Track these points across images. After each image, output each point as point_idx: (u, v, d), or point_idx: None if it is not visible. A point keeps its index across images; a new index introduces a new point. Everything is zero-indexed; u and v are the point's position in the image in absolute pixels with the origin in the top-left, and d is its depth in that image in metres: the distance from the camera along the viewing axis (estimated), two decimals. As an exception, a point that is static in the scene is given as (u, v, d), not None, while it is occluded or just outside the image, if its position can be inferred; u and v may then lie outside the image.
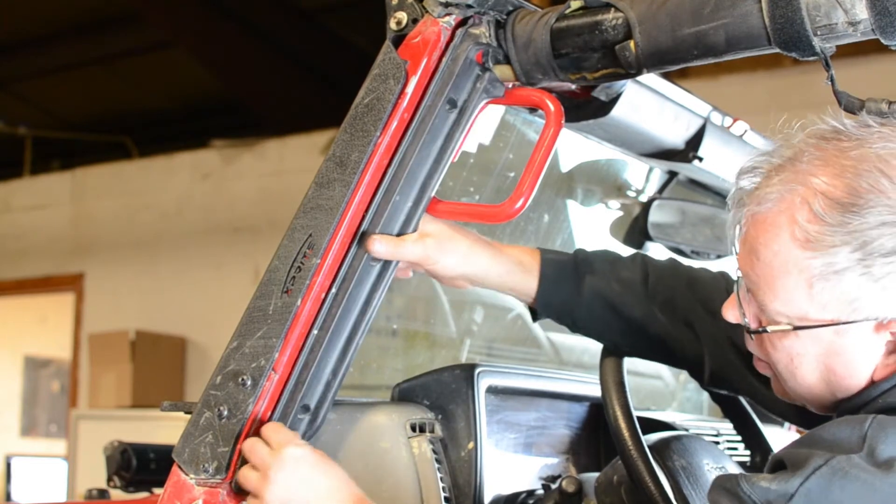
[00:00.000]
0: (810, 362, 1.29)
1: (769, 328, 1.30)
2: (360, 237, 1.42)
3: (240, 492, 1.38)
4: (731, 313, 1.37)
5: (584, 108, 1.63)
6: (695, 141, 1.91)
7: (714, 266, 2.36)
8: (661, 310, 1.61)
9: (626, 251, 1.73)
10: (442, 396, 1.59)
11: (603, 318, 1.61)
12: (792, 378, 1.32)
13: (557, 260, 1.61)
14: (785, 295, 1.27)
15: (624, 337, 1.64)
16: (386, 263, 1.43)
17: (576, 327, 1.64)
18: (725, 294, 1.61)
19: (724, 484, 1.18)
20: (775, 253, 1.27)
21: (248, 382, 1.38)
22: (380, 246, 1.41)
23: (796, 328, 1.28)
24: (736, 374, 1.61)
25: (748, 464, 2.07)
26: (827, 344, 1.27)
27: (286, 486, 1.34)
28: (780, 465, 1.18)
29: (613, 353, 1.68)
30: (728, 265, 2.45)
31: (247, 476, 1.37)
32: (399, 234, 1.43)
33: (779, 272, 1.27)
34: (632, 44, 1.34)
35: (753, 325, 1.33)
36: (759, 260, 1.29)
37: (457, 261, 1.51)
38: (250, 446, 1.37)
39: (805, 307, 1.26)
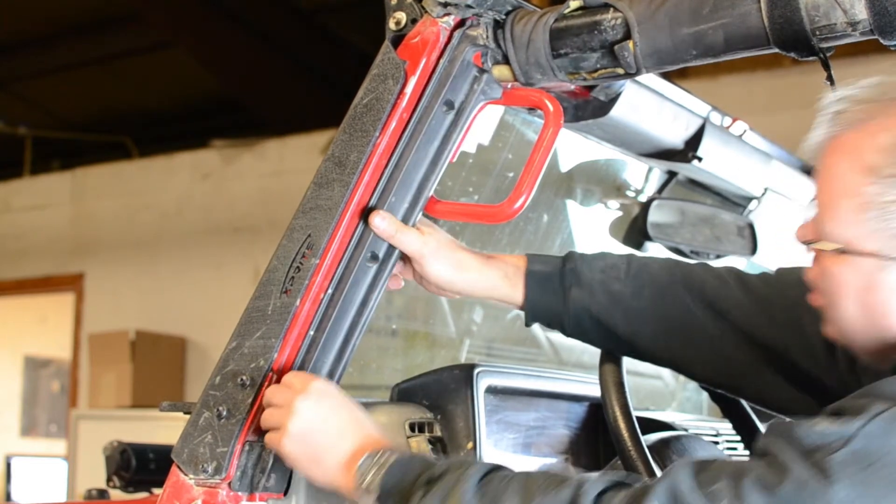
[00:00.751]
0: (850, 294, 1.29)
1: (818, 244, 1.32)
2: (366, 212, 1.41)
3: (240, 489, 1.38)
4: (798, 232, 1.38)
5: (584, 108, 1.63)
6: (694, 141, 1.91)
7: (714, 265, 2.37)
8: (654, 322, 1.59)
9: (623, 252, 1.72)
10: (441, 396, 1.59)
11: (591, 331, 1.60)
12: (834, 308, 1.33)
13: (543, 272, 1.59)
14: (839, 216, 1.28)
15: (613, 346, 1.63)
16: (382, 264, 1.43)
17: (567, 336, 1.63)
18: (736, 290, 1.60)
19: (778, 429, 1.18)
20: (840, 174, 1.28)
21: (248, 383, 1.38)
22: (381, 221, 1.41)
23: (841, 251, 1.28)
24: (743, 374, 1.60)
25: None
26: (867, 277, 1.27)
27: (310, 416, 1.34)
28: (838, 412, 1.17)
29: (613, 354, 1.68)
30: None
31: (270, 413, 1.37)
32: None
33: (839, 193, 1.28)
34: (631, 44, 1.34)
35: (808, 238, 1.34)
36: (826, 179, 1.31)
37: (446, 269, 1.50)
38: (273, 390, 1.38)
39: (853, 233, 1.27)
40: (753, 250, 2.23)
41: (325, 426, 1.35)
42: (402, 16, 1.44)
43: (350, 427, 1.36)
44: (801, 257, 2.38)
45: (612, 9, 1.36)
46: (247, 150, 7.10)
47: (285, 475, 1.41)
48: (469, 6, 1.42)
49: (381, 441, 1.35)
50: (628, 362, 1.68)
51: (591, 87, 1.58)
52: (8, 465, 7.27)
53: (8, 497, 7.22)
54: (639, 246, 2.13)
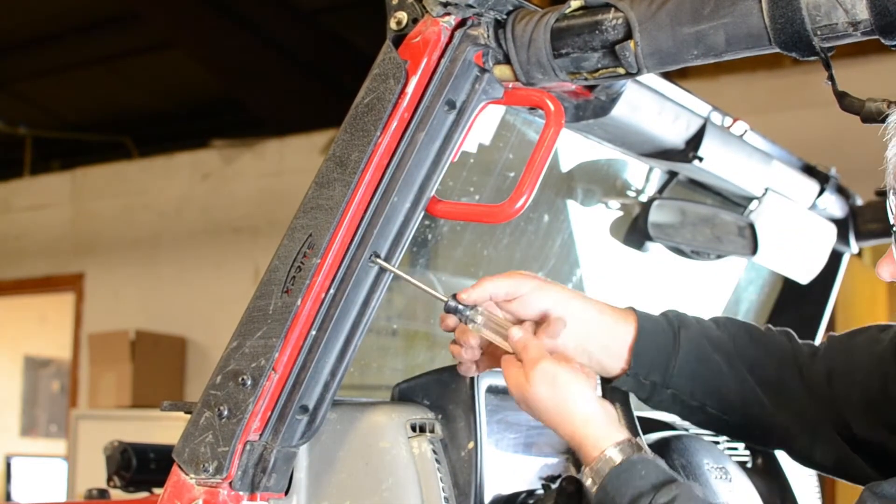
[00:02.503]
0: None
1: None
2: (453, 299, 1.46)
3: (241, 489, 1.38)
4: (885, 270, 1.35)
5: (585, 107, 1.63)
6: (695, 141, 1.91)
7: (716, 266, 2.37)
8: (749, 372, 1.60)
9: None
10: (442, 396, 1.59)
11: (695, 377, 1.58)
12: None
13: (650, 314, 1.59)
14: None
15: (712, 396, 1.60)
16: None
17: (664, 385, 1.58)
18: (802, 356, 1.60)
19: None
20: None
21: (249, 382, 1.38)
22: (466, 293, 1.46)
23: None
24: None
25: (748, 464, 2.07)
26: None
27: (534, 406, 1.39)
28: None
29: None
30: (728, 266, 2.45)
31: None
32: (397, 235, 1.43)
33: None
34: (632, 44, 1.34)
35: None
36: None
37: (555, 302, 1.50)
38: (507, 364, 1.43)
39: None
40: (754, 250, 2.23)
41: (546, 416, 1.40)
42: (403, 15, 1.44)
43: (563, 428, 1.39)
44: (801, 257, 2.38)
45: (613, 9, 1.36)
46: (247, 150, 7.10)
47: (286, 475, 1.41)
48: (470, 6, 1.42)
49: (601, 443, 1.36)
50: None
51: (592, 87, 1.58)
52: (8, 465, 7.28)
53: (8, 497, 7.22)
54: (640, 246, 2.13)
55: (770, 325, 1.68)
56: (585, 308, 1.54)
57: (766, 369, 1.60)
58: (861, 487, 1.58)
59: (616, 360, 1.56)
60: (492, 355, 1.50)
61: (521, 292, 1.49)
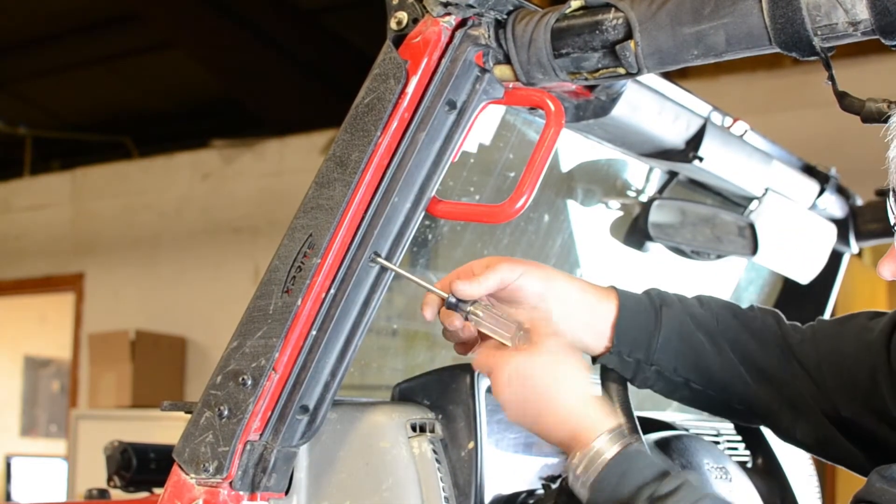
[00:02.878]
0: None
1: None
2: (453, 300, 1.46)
3: (241, 488, 1.38)
4: (886, 269, 1.35)
5: (585, 107, 1.63)
6: (695, 141, 1.91)
7: (716, 266, 2.37)
8: (731, 350, 1.61)
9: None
10: (442, 396, 1.59)
11: (677, 356, 1.59)
12: None
13: (631, 292, 1.59)
14: None
15: (696, 371, 1.61)
16: (384, 265, 1.43)
17: (647, 362, 1.58)
18: (790, 339, 1.61)
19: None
20: None
21: (249, 382, 1.38)
22: (465, 287, 1.45)
23: None
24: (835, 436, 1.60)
25: (748, 464, 2.07)
26: None
27: (513, 398, 1.39)
28: None
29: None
30: (728, 266, 2.45)
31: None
32: (398, 235, 1.43)
33: None
34: (632, 44, 1.34)
35: None
36: None
37: (537, 283, 1.50)
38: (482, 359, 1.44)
39: None
40: (754, 250, 2.23)
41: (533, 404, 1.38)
42: (403, 15, 1.44)
43: (555, 416, 1.37)
44: (801, 257, 2.38)
45: (613, 8, 1.36)
46: (247, 150, 7.11)
47: (286, 475, 1.41)
48: (470, 6, 1.42)
49: (590, 433, 1.34)
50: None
51: (592, 87, 1.58)
52: (8, 465, 7.28)
53: (8, 497, 7.23)
54: (640, 246, 2.13)
55: (754, 305, 1.68)
56: (568, 287, 1.54)
57: (749, 348, 1.60)
58: (844, 468, 1.59)
59: (599, 339, 1.57)
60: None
61: (510, 280, 1.49)
